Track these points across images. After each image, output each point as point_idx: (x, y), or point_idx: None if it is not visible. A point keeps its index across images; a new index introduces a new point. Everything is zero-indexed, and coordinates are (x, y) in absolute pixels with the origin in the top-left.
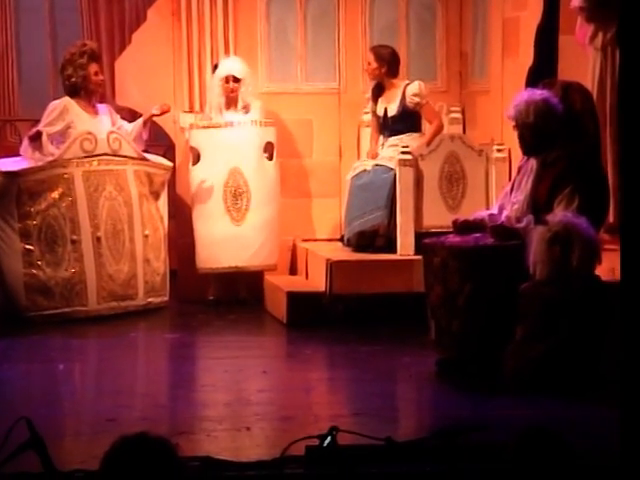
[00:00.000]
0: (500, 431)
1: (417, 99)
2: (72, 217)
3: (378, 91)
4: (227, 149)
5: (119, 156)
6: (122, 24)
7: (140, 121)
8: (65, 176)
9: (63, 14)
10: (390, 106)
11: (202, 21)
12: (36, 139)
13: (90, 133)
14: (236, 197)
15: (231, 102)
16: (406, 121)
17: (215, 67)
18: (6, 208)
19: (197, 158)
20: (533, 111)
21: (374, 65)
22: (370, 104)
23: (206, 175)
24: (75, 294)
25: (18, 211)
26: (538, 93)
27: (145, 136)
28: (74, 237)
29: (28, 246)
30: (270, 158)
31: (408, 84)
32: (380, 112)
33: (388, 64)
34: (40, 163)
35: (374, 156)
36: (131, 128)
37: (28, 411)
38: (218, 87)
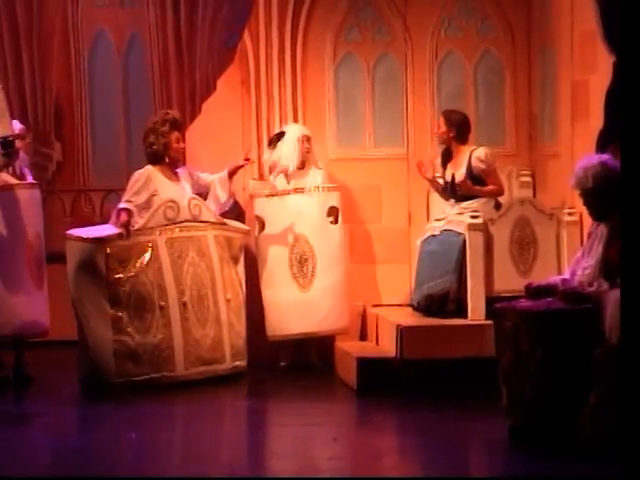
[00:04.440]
0: None
1: (483, 165)
2: (159, 283)
3: (446, 157)
4: (291, 216)
5: (199, 222)
6: (192, 94)
7: (225, 174)
8: (149, 244)
9: (135, 85)
10: (457, 172)
11: (270, 90)
12: (127, 223)
13: (173, 201)
14: (302, 263)
15: (304, 162)
16: None
17: (273, 139)
18: (96, 274)
19: (262, 226)
20: (591, 176)
21: (443, 129)
22: (440, 170)
23: (271, 243)
24: (163, 360)
25: (107, 277)
26: (595, 158)
27: (225, 197)
28: (162, 303)
29: (117, 312)
30: (335, 222)
31: (474, 149)
32: (448, 178)
33: (457, 129)
34: (124, 230)
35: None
36: (212, 178)
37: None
38: (297, 148)
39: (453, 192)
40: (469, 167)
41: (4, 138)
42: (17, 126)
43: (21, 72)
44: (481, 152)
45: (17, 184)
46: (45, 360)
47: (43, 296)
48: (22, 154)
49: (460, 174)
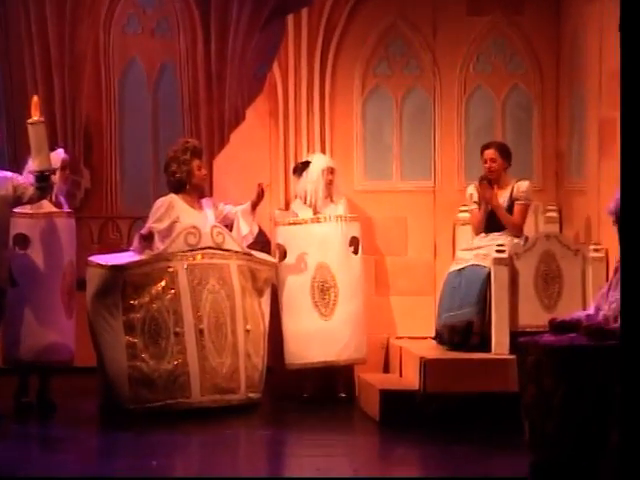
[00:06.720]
0: None
1: (523, 196)
2: (175, 310)
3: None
4: (313, 245)
5: (223, 250)
6: (221, 124)
7: (247, 205)
8: (169, 269)
9: (165, 114)
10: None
11: (299, 121)
12: (148, 238)
13: (194, 227)
14: (323, 292)
15: (327, 194)
16: None
17: (298, 167)
18: (112, 301)
19: (283, 254)
20: None
21: (499, 161)
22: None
23: (293, 271)
24: (178, 386)
25: (123, 304)
26: None
27: (247, 230)
28: (177, 329)
29: (132, 339)
30: (355, 252)
31: (519, 180)
32: (488, 206)
33: (509, 159)
34: (145, 257)
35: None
36: (236, 210)
37: None
38: (321, 179)
39: (489, 221)
40: (511, 197)
41: (41, 172)
42: (61, 155)
43: (52, 99)
44: (525, 185)
45: (55, 212)
46: (69, 387)
47: (71, 325)
48: (60, 183)
49: (502, 202)
